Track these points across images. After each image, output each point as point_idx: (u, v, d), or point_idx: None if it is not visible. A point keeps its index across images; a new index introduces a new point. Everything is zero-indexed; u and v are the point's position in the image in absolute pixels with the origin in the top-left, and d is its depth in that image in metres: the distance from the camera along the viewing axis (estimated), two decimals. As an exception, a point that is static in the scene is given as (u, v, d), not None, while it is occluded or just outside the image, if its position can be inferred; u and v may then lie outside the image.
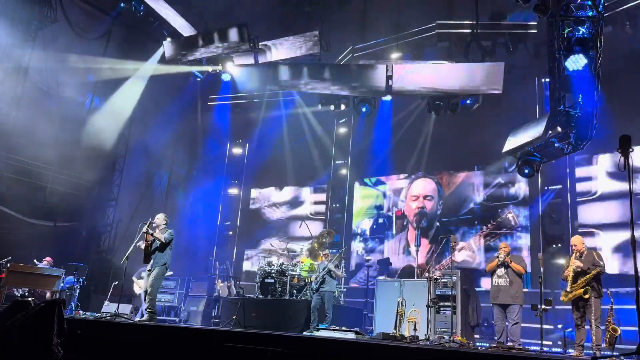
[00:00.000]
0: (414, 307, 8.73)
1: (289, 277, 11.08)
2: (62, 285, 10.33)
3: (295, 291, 11.01)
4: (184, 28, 13.68)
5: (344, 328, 8.41)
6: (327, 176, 16.31)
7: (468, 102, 11.67)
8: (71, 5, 13.90)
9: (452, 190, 14.63)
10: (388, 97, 12.16)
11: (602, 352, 7.29)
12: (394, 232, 15.58)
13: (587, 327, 7.63)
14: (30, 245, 11.91)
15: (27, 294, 10.16)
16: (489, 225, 13.61)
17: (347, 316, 10.87)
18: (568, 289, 7.68)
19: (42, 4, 13.13)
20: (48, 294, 10.22)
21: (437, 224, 14.63)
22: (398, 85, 11.77)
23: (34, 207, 13.27)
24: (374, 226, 15.99)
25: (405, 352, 5.14)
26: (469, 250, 13.76)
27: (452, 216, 14.43)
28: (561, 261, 10.19)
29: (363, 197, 16.25)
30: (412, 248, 14.55)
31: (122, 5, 12.92)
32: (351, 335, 7.78)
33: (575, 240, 8.05)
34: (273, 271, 11.25)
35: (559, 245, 12.10)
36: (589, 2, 7.51)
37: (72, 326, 5.07)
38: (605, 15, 8.10)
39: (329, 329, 8.38)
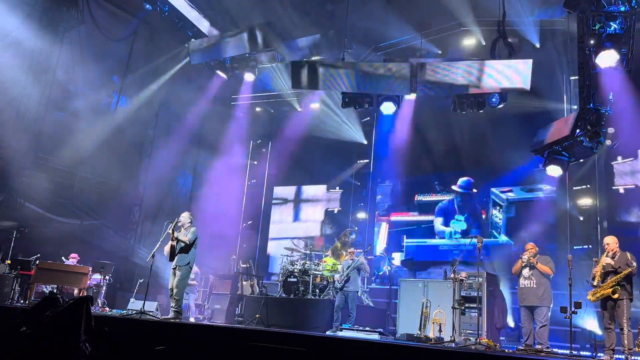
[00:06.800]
0: (439, 308, 8.61)
1: (311, 276, 11.07)
2: (89, 282, 10.51)
3: (317, 290, 10.99)
4: (208, 29, 13.82)
5: (367, 328, 8.36)
6: (350, 175, 16.21)
7: (494, 99, 11.43)
8: (98, 7, 14.14)
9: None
10: (412, 96, 12.02)
11: (633, 357, 7.08)
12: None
13: (617, 330, 7.38)
14: (58, 243, 12.15)
15: (55, 290, 10.35)
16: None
17: (371, 316, 10.80)
18: (595, 283, 7.42)
19: (69, 6, 13.37)
20: (76, 291, 10.41)
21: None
22: (422, 84, 11.62)
23: (61, 206, 13.54)
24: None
25: (431, 353, 5.06)
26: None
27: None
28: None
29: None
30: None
31: (147, 6, 13.07)
32: (375, 336, 7.73)
33: (608, 239, 7.62)
34: (296, 270, 11.26)
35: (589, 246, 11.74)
36: (622, -3, 7.31)
37: (99, 323, 5.14)
38: (638, 10, 7.86)
39: (353, 329, 8.33)
